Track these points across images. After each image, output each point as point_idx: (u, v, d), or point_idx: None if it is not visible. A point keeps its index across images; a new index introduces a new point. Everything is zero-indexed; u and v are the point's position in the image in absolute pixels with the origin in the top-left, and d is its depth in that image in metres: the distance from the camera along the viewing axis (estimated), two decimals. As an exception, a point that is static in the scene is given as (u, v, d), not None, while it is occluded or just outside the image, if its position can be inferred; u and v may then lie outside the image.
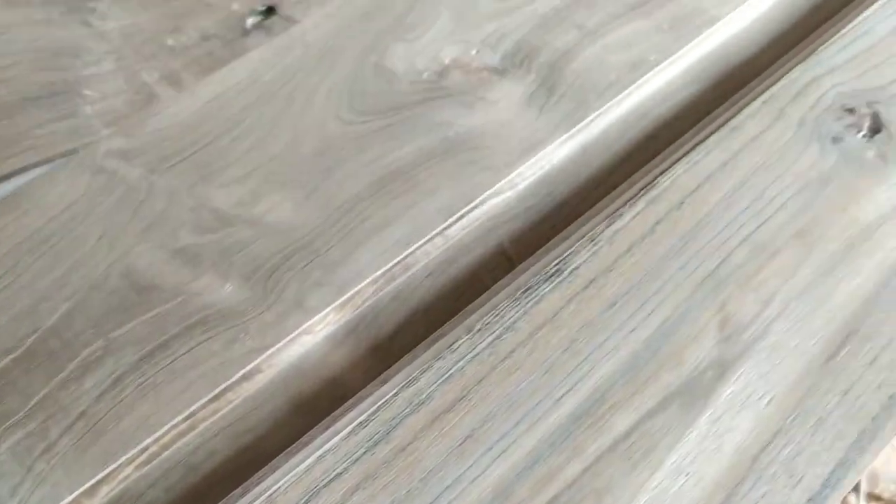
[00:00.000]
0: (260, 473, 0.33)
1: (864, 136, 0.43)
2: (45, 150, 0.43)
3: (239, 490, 0.33)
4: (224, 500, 0.32)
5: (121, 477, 0.34)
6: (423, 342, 0.38)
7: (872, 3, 0.48)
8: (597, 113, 0.45)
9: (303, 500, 0.32)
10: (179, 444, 0.35)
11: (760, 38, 0.49)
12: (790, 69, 0.46)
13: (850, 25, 0.48)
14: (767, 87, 0.45)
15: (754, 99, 0.45)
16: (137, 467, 0.34)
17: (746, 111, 0.44)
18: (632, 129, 0.46)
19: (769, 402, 0.35)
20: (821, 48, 0.47)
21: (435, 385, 0.35)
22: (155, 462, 0.35)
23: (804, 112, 0.44)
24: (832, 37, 0.47)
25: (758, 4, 0.50)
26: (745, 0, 0.49)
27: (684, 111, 0.47)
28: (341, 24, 0.48)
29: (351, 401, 0.36)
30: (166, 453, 0.35)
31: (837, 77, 0.45)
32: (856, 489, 0.76)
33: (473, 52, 0.47)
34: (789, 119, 0.44)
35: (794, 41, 0.49)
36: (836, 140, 0.43)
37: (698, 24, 0.48)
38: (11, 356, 0.36)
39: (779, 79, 0.45)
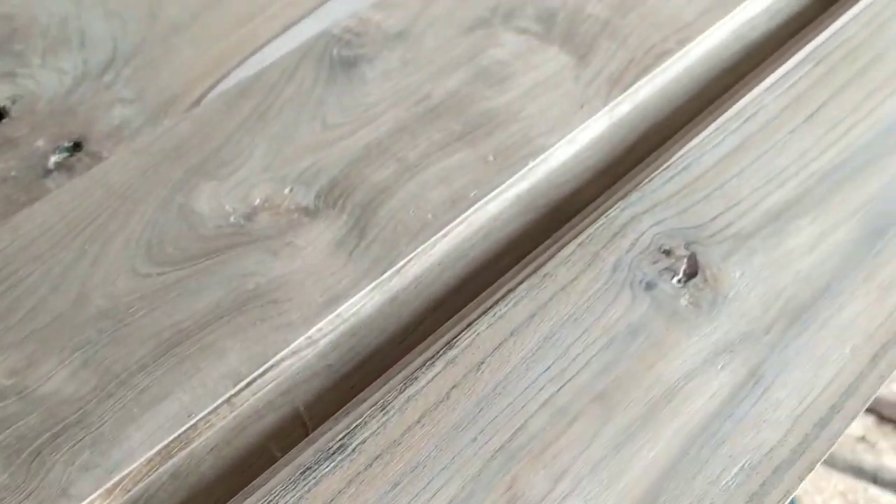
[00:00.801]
0: None
1: (678, 280, 0.42)
2: None
3: None
4: None
5: None
6: (195, 531, 0.35)
7: (700, 133, 0.47)
8: (408, 258, 0.43)
9: None
10: None
11: (590, 166, 0.48)
12: (611, 206, 0.44)
13: (676, 156, 0.46)
14: (585, 227, 0.44)
15: (571, 240, 0.43)
16: None
17: (560, 255, 0.42)
18: (447, 273, 0.44)
19: None
20: (644, 182, 0.45)
21: (193, 587, 0.33)
22: None
23: (620, 255, 0.43)
24: (658, 168, 0.46)
25: (588, 130, 0.49)
26: (573, 128, 0.48)
27: (506, 249, 0.45)
28: (150, 160, 0.46)
29: None
30: None
31: (658, 214, 0.44)
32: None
33: (287, 190, 0.45)
34: (604, 263, 0.42)
35: (625, 170, 0.48)
36: (649, 286, 0.42)
37: (524, 154, 0.47)
38: None
39: (598, 217, 0.44)
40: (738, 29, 0.55)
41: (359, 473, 0.36)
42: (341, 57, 0.51)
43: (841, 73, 0.50)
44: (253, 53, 0.50)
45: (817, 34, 0.53)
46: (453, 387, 0.38)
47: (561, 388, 0.38)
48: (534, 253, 0.44)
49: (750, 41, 0.55)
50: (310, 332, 0.40)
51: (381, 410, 0.37)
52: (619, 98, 0.50)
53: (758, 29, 0.55)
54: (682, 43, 0.52)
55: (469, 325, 0.40)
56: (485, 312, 0.41)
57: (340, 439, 0.36)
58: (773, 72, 0.50)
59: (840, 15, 0.54)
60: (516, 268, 0.43)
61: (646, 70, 0.51)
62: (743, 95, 0.49)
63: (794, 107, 0.49)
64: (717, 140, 0.47)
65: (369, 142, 0.47)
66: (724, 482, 0.36)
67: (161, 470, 0.37)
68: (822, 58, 0.51)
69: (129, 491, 0.36)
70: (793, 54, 0.52)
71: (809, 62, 0.51)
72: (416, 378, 0.38)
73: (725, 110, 0.49)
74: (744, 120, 0.48)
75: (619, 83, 0.50)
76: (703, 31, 0.53)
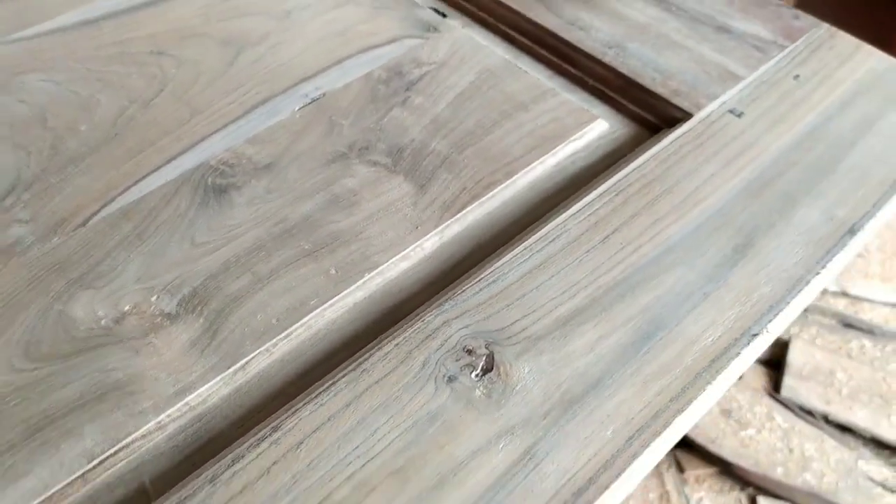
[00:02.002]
0: None
1: (476, 375, 0.50)
2: None
3: None
4: None
5: None
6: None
7: (510, 251, 0.57)
8: (252, 356, 0.51)
9: None
10: None
11: (420, 279, 0.57)
12: (428, 313, 0.53)
13: (487, 271, 0.55)
14: (405, 331, 0.52)
15: (390, 341, 0.51)
16: None
17: (379, 353, 0.51)
18: (287, 369, 0.52)
19: None
20: (459, 293, 0.54)
21: None
22: None
23: (429, 354, 0.51)
24: (471, 282, 0.55)
25: (420, 249, 0.58)
26: (406, 247, 0.57)
27: (339, 349, 0.53)
28: (37, 273, 0.54)
29: None
30: None
31: (467, 320, 0.53)
32: None
33: (153, 297, 0.53)
34: (414, 361, 0.50)
35: (450, 281, 0.57)
36: (450, 380, 0.50)
37: (362, 268, 0.56)
38: None
39: (416, 322, 0.52)
40: (560, 162, 0.65)
41: (183, 536, 0.43)
42: (214, 185, 0.60)
43: (635, 202, 0.60)
44: (138, 182, 0.59)
45: (621, 168, 0.63)
46: (274, 463, 0.46)
47: (365, 464, 0.46)
48: (360, 352, 0.52)
49: (570, 173, 0.65)
50: (160, 418, 0.48)
51: (210, 482, 0.45)
52: (450, 221, 0.59)
53: (577, 163, 0.66)
54: (509, 175, 0.62)
55: (295, 411, 0.48)
56: (309, 401, 0.48)
57: (171, 508, 0.43)
58: (579, 200, 0.60)
59: (641, 153, 0.64)
60: (343, 364, 0.51)
61: (475, 198, 0.61)
62: (552, 220, 0.59)
63: (592, 230, 0.59)
64: (525, 258, 0.57)
65: (229, 258, 0.56)
66: (490, 542, 0.44)
67: (17, 536, 0.44)
68: (622, 189, 0.61)
69: (-14, 553, 0.43)
70: (599, 185, 0.62)
71: (611, 193, 0.61)
72: (242, 455, 0.46)
73: (535, 233, 0.58)
74: (549, 241, 0.58)
75: (450, 209, 0.60)
76: (528, 164, 0.64)
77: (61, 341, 0.50)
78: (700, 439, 1.84)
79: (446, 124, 0.66)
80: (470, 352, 0.51)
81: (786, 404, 1.90)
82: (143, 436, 0.47)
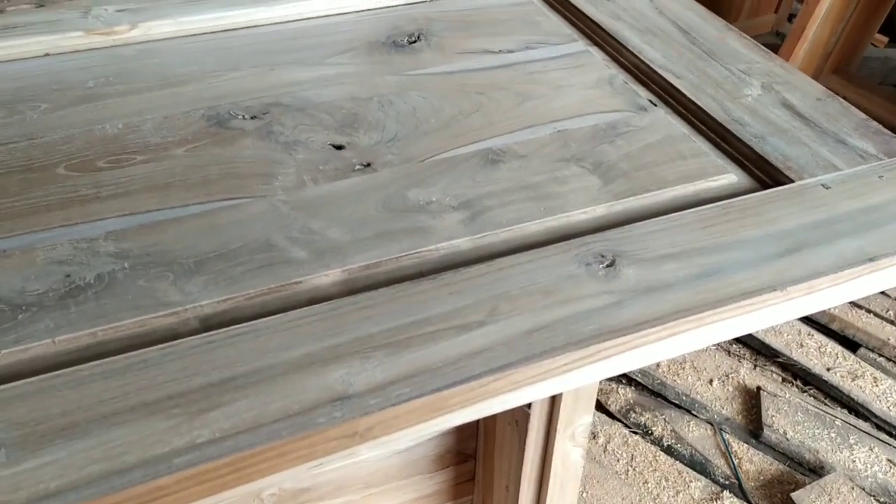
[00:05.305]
0: None
1: (602, 265, 0.92)
2: None
3: None
4: None
5: None
6: None
7: (641, 222, 0.99)
8: (486, 234, 0.98)
9: None
10: None
11: (587, 224, 1.01)
12: (587, 237, 0.96)
13: (626, 227, 0.98)
14: (572, 242, 0.96)
15: (561, 244, 0.95)
16: None
17: (554, 247, 0.95)
18: (504, 246, 0.98)
19: None
20: (606, 232, 0.97)
21: None
22: None
23: (580, 252, 0.94)
24: (614, 229, 0.98)
25: (595, 211, 1.02)
26: (583, 208, 1.02)
27: (533, 245, 0.98)
28: (394, 178, 1.05)
29: None
30: None
31: (606, 244, 0.95)
32: None
33: (447, 199, 1.02)
34: (571, 253, 0.94)
35: (603, 229, 1.00)
36: (587, 265, 0.92)
37: (558, 211, 1.01)
38: None
39: (578, 239, 0.96)
40: (696, 190, 1.06)
41: (437, 286, 0.89)
42: (492, 160, 1.08)
43: (732, 215, 1.00)
44: (452, 150, 1.09)
45: (732, 198, 1.03)
46: (485, 274, 0.91)
47: (530, 285, 0.90)
48: (545, 247, 0.96)
49: (700, 198, 1.05)
50: (437, 245, 0.95)
51: (452, 270, 0.91)
52: (615, 202, 1.03)
53: (707, 194, 1.06)
54: (660, 188, 1.05)
55: (505, 259, 0.93)
56: (511, 258, 0.93)
57: (434, 275, 0.90)
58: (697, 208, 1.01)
59: (749, 194, 1.04)
60: (534, 250, 0.96)
61: (634, 194, 1.04)
62: (674, 213, 1.00)
63: (696, 222, 0.99)
64: (651, 226, 0.98)
65: (490, 191, 1.03)
66: (581, 327, 0.85)
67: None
68: (726, 206, 1.01)
69: (350, 273, 0.92)
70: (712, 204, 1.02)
71: (718, 207, 1.01)
72: (469, 268, 0.92)
73: (662, 216, 1.00)
74: (669, 221, 0.99)
75: (618, 196, 1.03)
76: (674, 185, 1.05)
77: (399, 205, 1.00)
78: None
79: (632, 156, 1.10)
80: (603, 256, 0.94)
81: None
82: (428, 251, 0.95)
